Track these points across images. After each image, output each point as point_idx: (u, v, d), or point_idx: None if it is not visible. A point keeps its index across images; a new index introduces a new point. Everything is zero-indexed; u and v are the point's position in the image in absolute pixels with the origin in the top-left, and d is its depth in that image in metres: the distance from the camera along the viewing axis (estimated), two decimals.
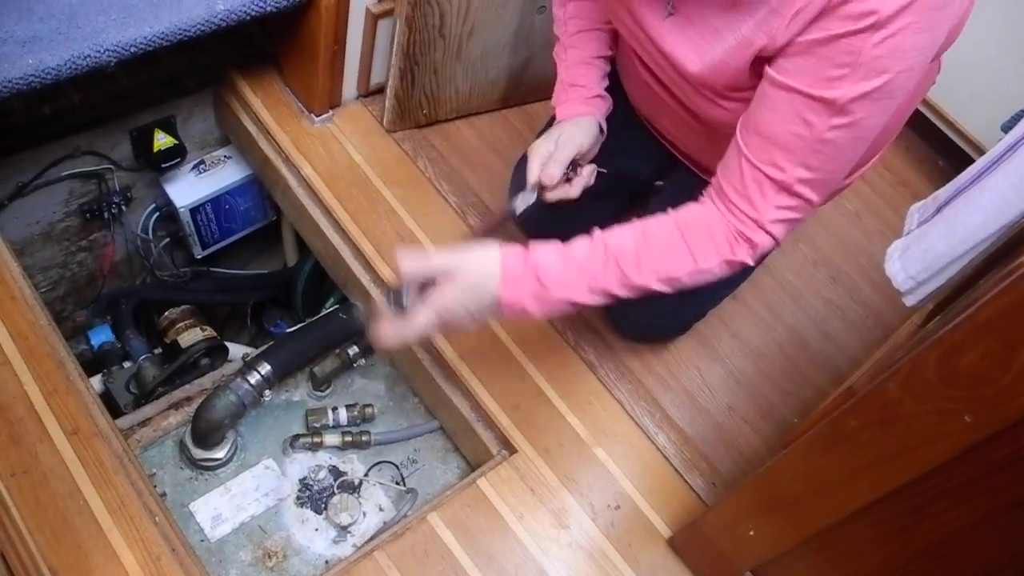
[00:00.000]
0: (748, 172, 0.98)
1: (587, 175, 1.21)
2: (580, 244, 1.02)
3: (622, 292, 1.01)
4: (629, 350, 1.49)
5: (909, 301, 0.99)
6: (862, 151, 0.98)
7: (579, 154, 1.19)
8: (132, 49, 1.26)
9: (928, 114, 1.95)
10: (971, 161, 1.01)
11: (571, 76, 1.26)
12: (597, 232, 1.02)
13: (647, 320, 1.43)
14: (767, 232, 0.99)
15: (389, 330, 1.00)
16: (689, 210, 1.04)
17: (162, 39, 1.28)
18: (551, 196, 1.18)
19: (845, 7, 0.85)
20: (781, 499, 1.05)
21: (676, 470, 1.37)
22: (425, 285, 0.99)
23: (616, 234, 1.02)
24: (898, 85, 0.88)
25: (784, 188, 0.96)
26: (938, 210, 0.96)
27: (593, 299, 1.02)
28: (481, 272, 0.99)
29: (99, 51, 1.23)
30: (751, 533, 1.12)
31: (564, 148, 1.17)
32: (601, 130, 1.24)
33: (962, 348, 0.74)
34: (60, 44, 1.22)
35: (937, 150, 2.02)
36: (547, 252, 1.00)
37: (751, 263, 1.02)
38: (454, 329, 1.04)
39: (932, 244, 0.91)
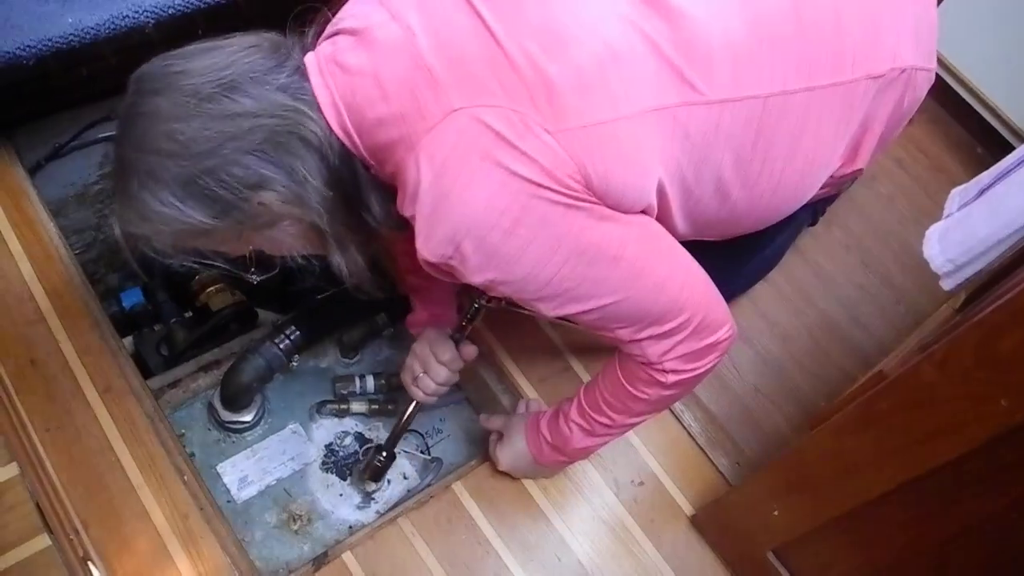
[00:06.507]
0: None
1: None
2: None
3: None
4: None
5: (947, 285, 0.97)
6: (625, 275, 0.96)
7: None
8: (170, 11, 1.27)
9: (968, 98, 1.91)
10: (1012, 149, 0.99)
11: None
12: None
13: None
14: (664, 370, 1.04)
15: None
16: None
17: (200, 2, 1.29)
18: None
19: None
20: (808, 480, 1.05)
21: (701, 448, 1.37)
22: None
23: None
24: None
25: (631, 342, 1.02)
26: (981, 192, 0.94)
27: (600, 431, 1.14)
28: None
29: (137, 12, 1.24)
30: (775, 513, 1.11)
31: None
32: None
33: (1001, 331, 0.74)
34: (99, 4, 1.23)
35: (976, 136, 1.97)
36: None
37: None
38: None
39: (974, 227, 0.90)
